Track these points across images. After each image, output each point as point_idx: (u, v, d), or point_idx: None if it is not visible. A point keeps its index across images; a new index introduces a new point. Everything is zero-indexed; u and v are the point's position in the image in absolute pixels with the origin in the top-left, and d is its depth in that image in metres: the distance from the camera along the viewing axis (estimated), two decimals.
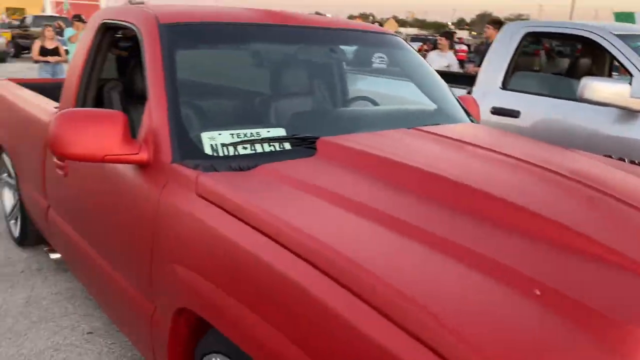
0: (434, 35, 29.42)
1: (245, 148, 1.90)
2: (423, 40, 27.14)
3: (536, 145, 2.19)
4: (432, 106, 2.71)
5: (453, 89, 4.66)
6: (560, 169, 1.79)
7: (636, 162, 3.61)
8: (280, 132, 2.01)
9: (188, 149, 1.85)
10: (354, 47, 3.20)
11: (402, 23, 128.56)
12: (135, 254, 1.92)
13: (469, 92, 4.65)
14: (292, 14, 2.59)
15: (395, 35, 2.99)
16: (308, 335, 1.20)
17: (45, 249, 3.36)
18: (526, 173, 1.74)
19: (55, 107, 2.90)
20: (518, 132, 4.19)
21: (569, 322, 1.08)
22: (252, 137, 1.93)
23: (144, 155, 1.89)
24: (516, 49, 4.49)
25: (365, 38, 2.81)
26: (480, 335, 1.01)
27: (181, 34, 2.15)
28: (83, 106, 2.58)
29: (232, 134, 1.92)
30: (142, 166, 1.92)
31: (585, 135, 3.86)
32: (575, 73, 4.73)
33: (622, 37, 3.89)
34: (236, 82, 2.34)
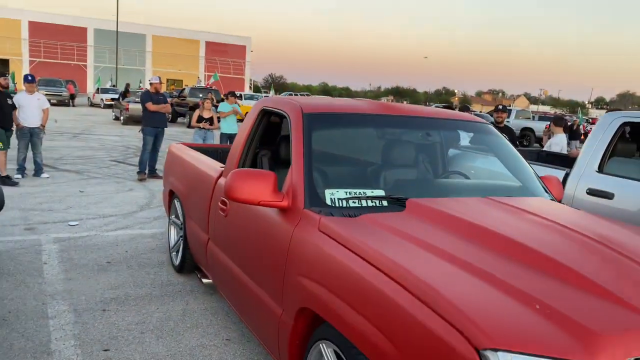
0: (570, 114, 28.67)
1: (354, 202, 2.66)
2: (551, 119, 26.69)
3: (582, 216, 2.70)
4: (510, 182, 3.29)
5: (547, 168, 5.15)
6: (590, 233, 2.31)
7: None
8: (380, 192, 2.75)
9: (315, 199, 2.65)
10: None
11: (533, 100, 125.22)
12: (272, 271, 2.72)
13: (567, 174, 5.06)
14: (400, 105, 3.39)
15: (485, 123, 3.65)
16: (393, 329, 1.86)
17: (198, 275, 4.32)
18: (562, 235, 2.28)
19: (221, 167, 3.91)
20: (611, 213, 4.53)
21: (552, 323, 1.66)
22: (359, 195, 2.69)
23: (285, 203, 2.73)
24: (613, 136, 4.87)
25: (458, 124, 3.51)
26: (488, 321, 1.63)
27: (317, 120, 3.03)
28: (244, 167, 3.52)
29: (346, 192, 2.70)
30: (283, 210, 2.75)
31: None
32: None
33: None
34: (354, 154, 3.14)
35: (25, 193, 7.81)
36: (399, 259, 2.03)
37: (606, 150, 4.88)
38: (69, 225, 6.22)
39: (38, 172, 9.20)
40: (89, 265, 4.88)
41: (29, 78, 9.15)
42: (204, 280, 4.15)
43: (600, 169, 4.85)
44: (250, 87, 62.99)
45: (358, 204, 2.67)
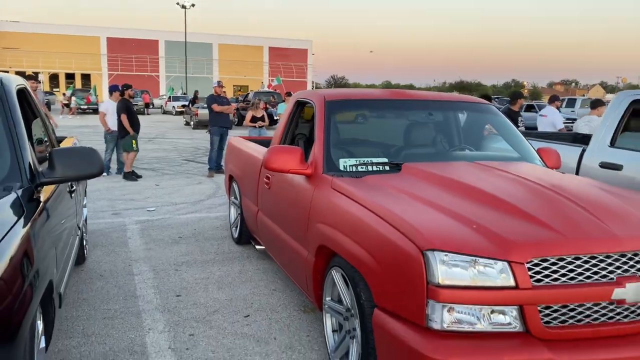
0: None
1: (362, 167, 3.37)
2: None
3: (549, 173, 3.26)
4: (509, 154, 3.88)
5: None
6: (547, 184, 2.89)
7: None
8: (383, 160, 3.45)
9: (331, 166, 3.39)
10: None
11: (610, 89, 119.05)
12: (300, 224, 3.48)
13: (583, 150, 5.50)
14: (408, 91, 4.06)
15: (487, 104, 4.24)
16: (374, 248, 2.56)
17: (252, 243, 5.16)
18: (521, 184, 2.89)
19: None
20: (620, 184, 4.95)
21: (481, 235, 2.31)
22: (366, 162, 3.40)
23: (309, 170, 3.48)
24: (624, 113, 5.27)
25: (460, 105, 4.14)
26: (431, 232, 2.31)
27: (336, 105, 3.76)
28: None
29: (356, 160, 3.41)
30: (308, 176, 3.51)
31: None
32: None
33: None
34: (365, 132, 3.85)
35: (111, 187, 9.03)
36: (383, 202, 2.73)
37: (618, 126, 5.29)
38: (148, 210, 7.29)
39: (121, 170, 10.48)
40: (164, 239, 5.85)
41: (118, 87, 10.46)
42: (257, 247, 4.98)
43: (612, 144, 5.26)
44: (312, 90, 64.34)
45: (365, 169, 3.38)
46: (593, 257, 2.30)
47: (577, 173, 5.46)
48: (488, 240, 2.29)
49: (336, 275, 3.00)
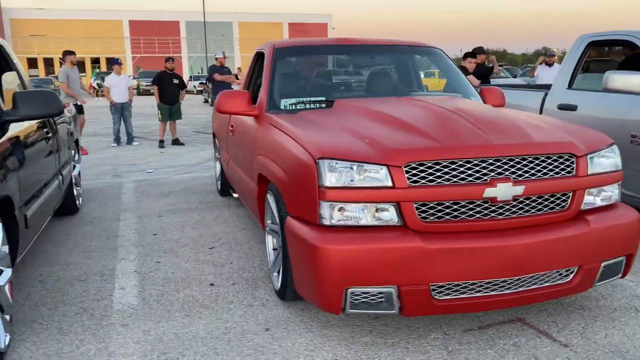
0: None
1: (300, 106, 3.71)
2: None
3: (466, 103, 3.54)
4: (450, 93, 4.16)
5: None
6: (453, 108, 3.18)
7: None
8: (320, 98, 3.78)
9: (273, 106, 3.74)
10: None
11: None
12: (248, 159, 3.85)
13: (546, 94, 5.70)
14: (354, 38, 4.36)
15: (435, 48, 4.51)
16: (286, 163, 2.93)
17: (231, 191, 5.58)
18: (427, 109, 3.17)
19: None
20: (576, 122, 5.15)
21: (369, 146, 2.65)
22: (304, 101, 3.74)
23: (256, 112, 3.84)
24: (581, 56, 5.44)
25: (403, 49, 4.42)
26: (325, 145, 2.65)
27: (282, 52, 4.10)
28: None
29: (297, 100, 3.76)
30: (255, 117, 3.87)
31: (616, 119, 4.70)
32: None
33: None
34: (306, 75, 4.18)
35: (117, 155, 9.58)
36: (300, 128, 3.07)
37: (575, 68, 5.47)
38: (146, 172, 7.79)
39: (130, 140, 11.02)
40: (155, 194, 6.33)
41: (119, 61, 10.97)
42: (234, 195, 5.40)
43: (570, 86, 5.45)
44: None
45: (303, 106, 3.72)
46: (468, 162, 2.62)
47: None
48: (373, 149, 2.63)
49: (270, 198, 3.38)
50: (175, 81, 10.94)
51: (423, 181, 2.57)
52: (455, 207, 2.61)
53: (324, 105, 3.72)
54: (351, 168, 2.57)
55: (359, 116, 3.22)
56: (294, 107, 3.73)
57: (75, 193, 5.37)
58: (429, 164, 2.58)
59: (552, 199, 2.77)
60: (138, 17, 58.40)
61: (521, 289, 2.68)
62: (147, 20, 58.49)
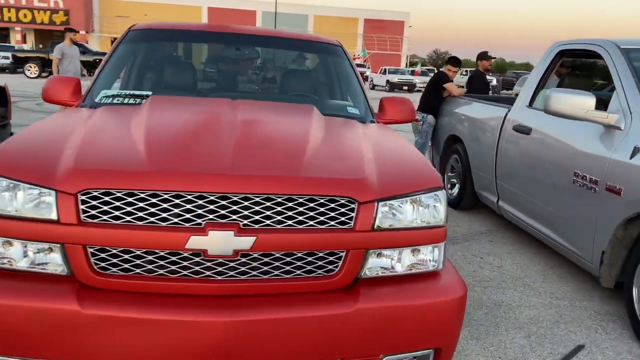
0: None
1: (117, 100, 3.04)
2: None
3: (295, 115, 2.74)
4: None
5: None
6: (244, 120, 2.40)
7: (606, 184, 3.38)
8: (139, 92, 3.11)
9: (89, 99, 3.08)
10: None
11: None
12: None
13: (508, 111, 4.68)
14: (226, 25, 3.61)
15: (336, 45, 3.68)
16: None
17: None
18: (211, 122, 2.36)
19: None
20: (528, 150, 4.14)
21: (57, 160, 1.95)
22: (121, 94, 3.08)
23: (74, 103, 3.22)
24: (548, 67, 4.40)
25: (297, 44, 3.64)
26: (10, 150, 1.98)
27: (135, 35, 3.45)
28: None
29: (117, 92, 3.11)
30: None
31: (570, 150, 3.68)
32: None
33: (627, 51, 3.59)
34: (162, 65, 3.52)
35: None
36: (34, 131, 2.30)
37: (539, 82, 4.45)
38: None
39: None
40: None
41: None
42: None
43: (531, 103, 4.43)
44: (406, 64, 62.52)
45: (119, 101, 3.05)
46: (179, 196, 1.87)
47: (499, 138, 4.70)
48: (53, 165, 1.93)
49: None
50: None
51: (105, 217, 1.85)
52: (151, 258, 1.87)
53: (138, 100, 3.04)
54: (8, 188, 1.89)
55: (134, 118, 2.50)
56: (110, 100, 3.07)
57: None
58: (119, 194, 1.85)
59: (310, 258, 1.96)
60: (218, 4, 59.61)
61: None
62: (226, 8, 59.59)
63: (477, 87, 7.22)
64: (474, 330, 3.04)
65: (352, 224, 1.96)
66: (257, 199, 1.89)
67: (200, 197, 1.87)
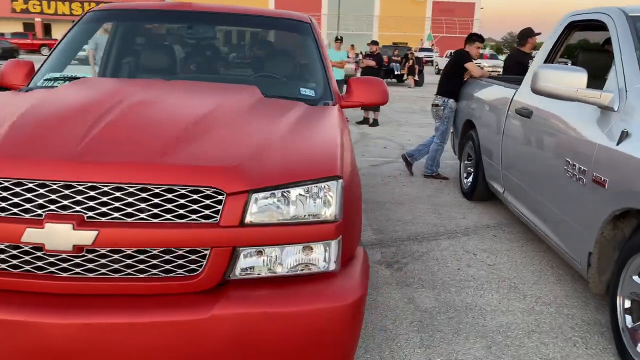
0: None
1: (58, 82, 2.93)
2: None
3: (194, 98, 2.48)
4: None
5: None
6: (152, 100, 2.22)
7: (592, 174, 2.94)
8: (77, 75, 2.99)
9: (33, 82, 3.01)
10: None
11: None
12: None
13: (516, 92, 4.21)
14: (189, 3, 3.42)
15: (306, 22, 3.39)
16: None
17: None
18: (110, 103, 2.15)
19: None
20: (528, 134, 3.69)
21: None
22: (60, 77, 2.98)
23: (22, 85, 3.15)
24: (556, 42, 3.89)
25: (258, 21, 3.40)
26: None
27: (93, 16, 3.34)
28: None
29: (59, 75, 3.01)
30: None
31: (563, 136, 3.22)
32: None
33: (635, 19, 3.06)
34: (124, 48, 3.38)
35: None
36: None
37: (547, 59, 3.94)
38: None
39: None
40: None
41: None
42: None
43: None
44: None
45: (60, 83, 2.94)
46: (20, 184, 1.70)
47: (505, 123, 4.26)
48: None
49: None
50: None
51: None
52: None
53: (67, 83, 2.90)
54: None
55: (28, 101, 2.32)
56: (51, 83, 2.98)
57: None
58: None
59: (167, 257, 1.74)
60: None
61: None
62: None
63: (509, 67, 6.60)
64: (427, 337, 2.71)
65: (217, 219, 1.73)
66: (105, 189, 1.70)
67: (43, 186, 1.70)
